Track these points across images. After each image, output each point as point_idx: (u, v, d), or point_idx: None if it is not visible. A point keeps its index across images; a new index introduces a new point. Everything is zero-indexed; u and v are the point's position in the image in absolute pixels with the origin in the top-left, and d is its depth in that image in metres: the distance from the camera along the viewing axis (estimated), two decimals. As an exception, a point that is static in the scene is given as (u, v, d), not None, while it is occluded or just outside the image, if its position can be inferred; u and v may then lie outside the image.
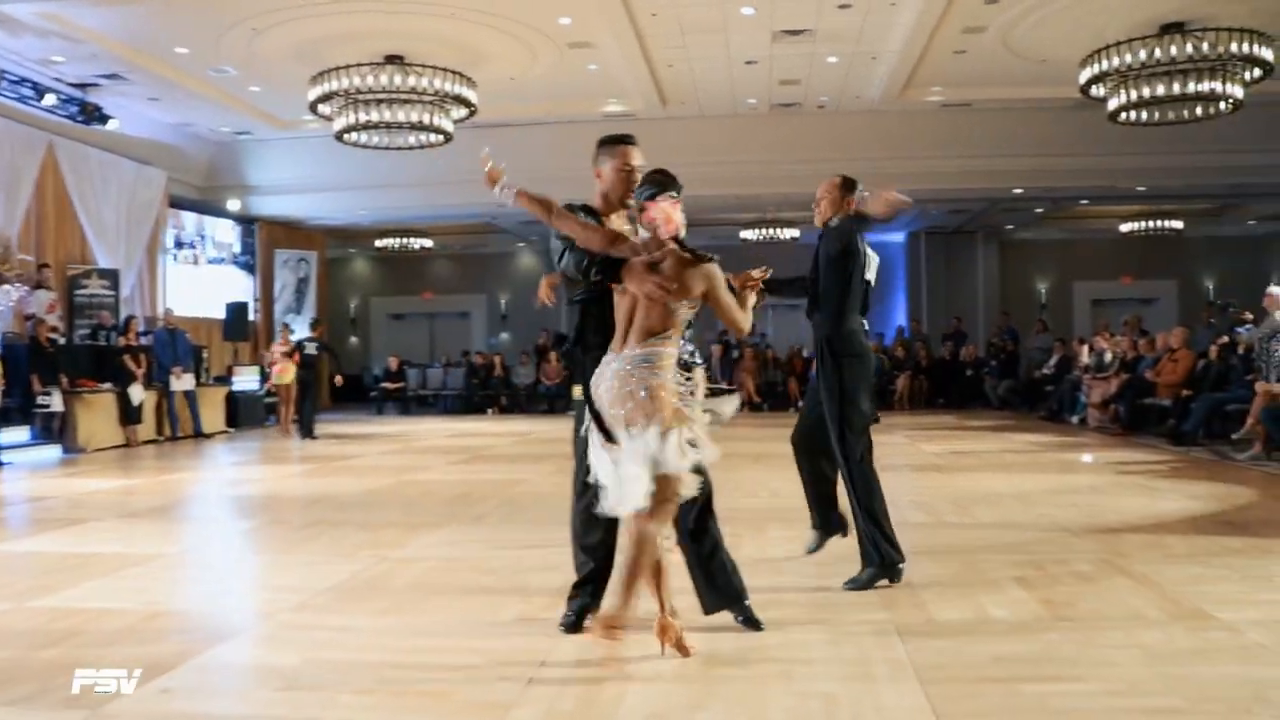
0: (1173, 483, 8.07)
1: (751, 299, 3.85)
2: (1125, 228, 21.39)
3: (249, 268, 19.11)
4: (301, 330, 16.03)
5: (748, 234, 20.26)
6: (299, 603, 4.47)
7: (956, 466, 9.44)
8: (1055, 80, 13.74)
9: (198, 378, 14.46)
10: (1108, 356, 13.78)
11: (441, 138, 13.58)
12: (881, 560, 4.58)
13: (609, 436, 3.48)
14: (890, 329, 21.06)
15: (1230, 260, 22.41)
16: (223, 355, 17.11)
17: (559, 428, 4.00)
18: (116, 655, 3.63)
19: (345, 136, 13.45)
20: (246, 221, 18.77)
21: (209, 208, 17.97)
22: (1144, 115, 12.76)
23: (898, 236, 22.09)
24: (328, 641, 3.87)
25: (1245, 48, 11.39)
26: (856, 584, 4.57)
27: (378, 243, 22.38)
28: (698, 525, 3.82)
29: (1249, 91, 12.21)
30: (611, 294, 3.66)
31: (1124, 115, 12.71)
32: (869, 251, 4.90)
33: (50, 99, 12.93)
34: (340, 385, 14.50)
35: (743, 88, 14.99)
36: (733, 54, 13.47)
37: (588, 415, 3.58)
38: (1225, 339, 11.86)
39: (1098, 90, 12.50)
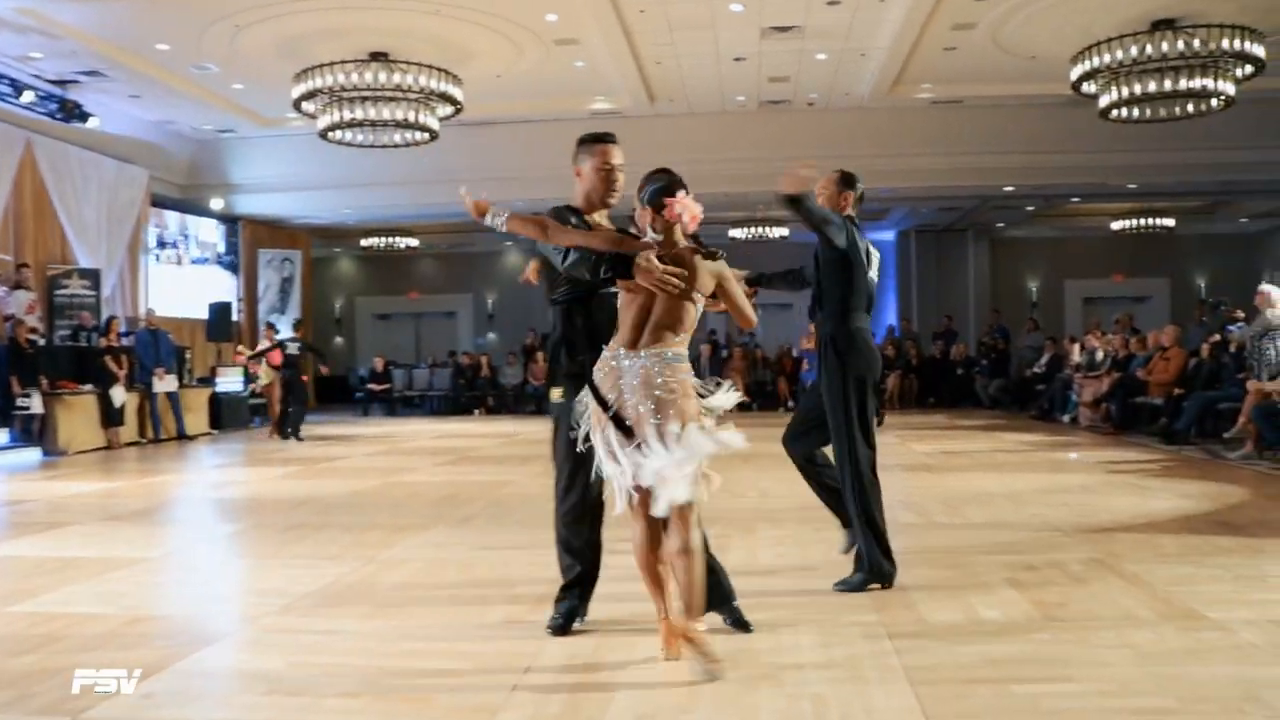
0: (1164, 482, 8.05)
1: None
2: (1117, 225, 21.37)
3: (233, 267, 18.95)
4: (286, 331, 15.88)
5: (736, 233, 20.17)
6: (283, 606, 4.42)
7: (947, 466, 9.40)
8: (1046, 77, 13.74)
9: (180, 379, 14.31)
10: (1099, 355, 13.75)
11: (427, 136, 13.52)
12: (875, 570, 4.52)
13: (627, 432, 3.43)
14: (880, 328, 20.99)
15: (1222, 258, 22.43)
16: (206, 356, 16.94)
17: (546, 429, 3.94)
18: (98, 660, 3.57)
19: (329, 134, 13.38)
20: (230, 221, 18.61)
21: (191, 207, 17.82)
22: (1135, 112, 12.79)
23: (888, 235, 22.03)
24: (312, 645, 3.83)
25: (1236, 44, 11.41)
26: (847, 585, 4.50)
27: (363, 242, 22.23)
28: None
29: (1240, 88, 12.22)
30: (595, 295, 3.65)
31: (1115, 112, 12.73)
32: (871, 248, 4.76)
33: (29, 96, 12.79)
34: (326, 375, 14.36)
35: (731, 85, 14.93)
36: (721, 50, 13.41)
37: (593, 416, 3.52)
38: (1217, 337, 11.82)
39: (1089, 87, 12.49)
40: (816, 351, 4.75)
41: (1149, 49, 11.64)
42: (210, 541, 6.53)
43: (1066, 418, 14.15)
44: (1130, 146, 15.32)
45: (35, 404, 11.80)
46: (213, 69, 13.73)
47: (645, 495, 3.46)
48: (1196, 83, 11.80)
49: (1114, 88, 12.20)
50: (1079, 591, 4.42)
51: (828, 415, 4.59)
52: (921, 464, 9.56)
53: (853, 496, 4.53)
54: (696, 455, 3.37)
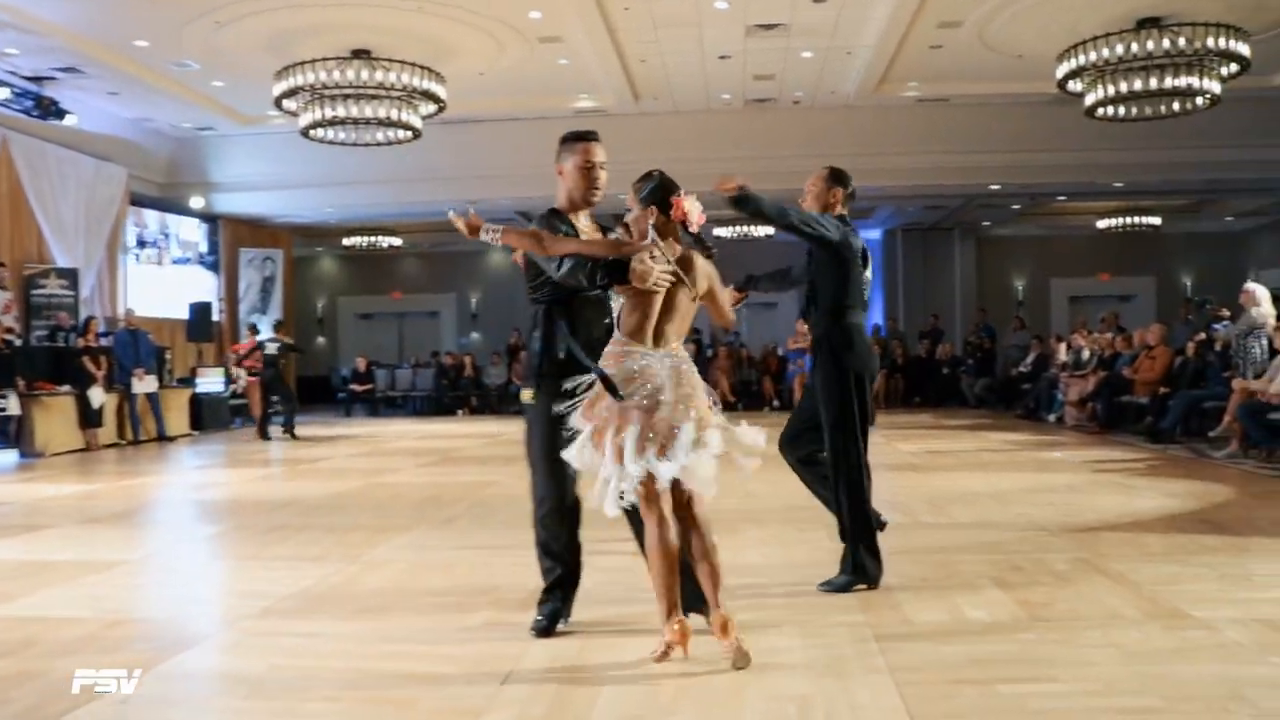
0: (1150, 481, 8.07)
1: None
2: (1103, 224, 21.40)
3: (215, 267, 18.77)
4: (267, 332, 15.77)
5: (722, 231, 20.11)
6: (264, 609, 4.40)
7: (933, 466, 9.40)
8: (1032, 75, 13.73)
9: (160, 379, 14.16)
10: (1085, 354, 13.75)
11: (410, 134, 13.42)
12: (860, 571, 4.49)
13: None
14: (867, 327, 20.94)
15: (1208, 256, 22.50)
16: (186, 356, 16.79)
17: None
18: (74, 665, 3.53)
19: (311, 132, 13.27)
20: (210, 219, 18.43)
21: (171, 205, 17.64)
22: (1121, 110, 12.78)
23: (874, 233, 22.01)
24: (293, 648, 3.81)
25: (1222, 43, 11.40)
26: (832, 586, 4.47)
27: (345, 241, 22.07)
28: None
29: (1226, 87, 12.22)
30: (576, 296, 3.68)
31: (1101, 110, 12.72)
32: (865, 247, 4.72)
33: (4, 93, 12.62)
34: (302, 351, 14.25)
35: (716, 83, 14.86)
36: (706, 48, 13.34)
37: (605, 414, 3.47)
38: (1202, 336, 11.84)
39: (1075, 85, 12.47)
40: (811, 350, 4.69)
41: (1134, 47, 11.61)
42: (190, 543, 6.51)
43: (1052, 417, 14.15)
44: (1116, 145, 15.32)
45: (12, 405, 11.64)
46: (192, 66, 13.57)
47: (653, 487, 3.41)
48: (1182, 81, 11.79)
49: (1100, 86, 12.18)
50: (1065, 591, 4.43)
51: (823, 413, 4.54)
52: (907, 463, 9.55)
53: (845, 496, 4.50)
54: (721, 451, 3.45)
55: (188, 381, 15.78)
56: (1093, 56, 11.85)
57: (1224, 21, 11.39)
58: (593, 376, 3.52)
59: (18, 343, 12.66)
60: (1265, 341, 9.90)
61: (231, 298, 18.88)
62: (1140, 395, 11.98)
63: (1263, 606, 4.10)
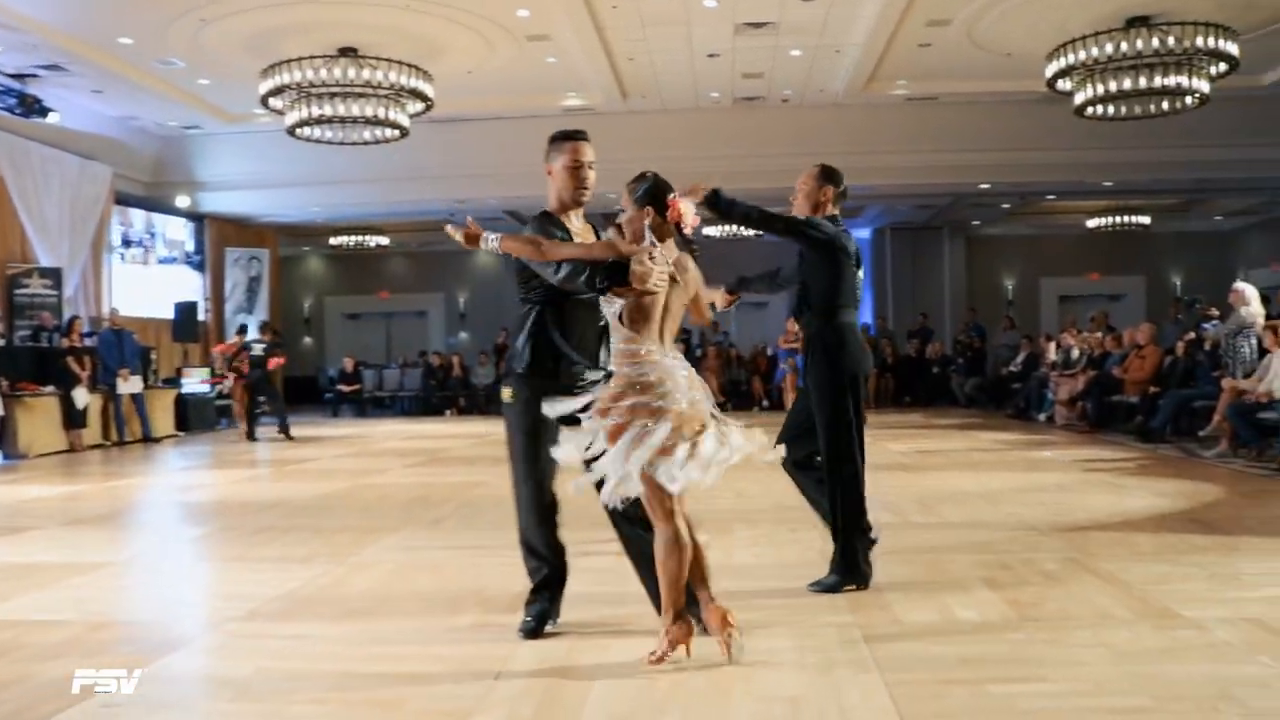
0: (1140, 480, 8.06)
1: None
2: (1092, 223, 21.45)
3: (201, 267, 18.67)
4: (254, 333, 15.71)
5: (710, 231, 20.06)
6: (250, 611, 4.37)
7: (923, 465, 9.37)
8: (1021, 74, 13.75)
9: (146, 380, 14.06)
10: (1075, 353, 13.75)
11: (397, 133, 13.39)
12: (851, 571, 4.46)
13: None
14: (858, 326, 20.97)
15: (1197, 255, 22.58)
16: (172, 356, 16.68)
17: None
18: (58, 668, 3.50)
19: (298, 131, 13.22)
20: (196, 219, 18.32)
21: (157, 204, 17.53)
22: (1110, 109, 12.82)
23: (863, 232, 22.00)
24: (280, 650, 3.78)
25: (1210, 42, 11.46)
26: (822, 586, 4.44)
27: (332, 240, 21.99)
28: (643, 515, 3.64)
29: (1215, 86, 12.27)
30: (569, 297, 3.65)
31: (1090, 109, 12.74)
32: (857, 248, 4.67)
33: (-14, 90, 12.52)
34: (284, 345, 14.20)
35: (705, 81, 14.83)
36: (695, 47, 13.31)
37: (630, 405, 3.42)
38: (1192, 335, 11.83)
39: (1064, 84, 12.51)
40: (803, 350, 4.64)
41: (1124, 46, 11.65)
42: (176, 545, 6.47)
43: (1042, 416, 14.14)
44: (1105, 144, 15.35)
45: (-6, 406, 11.54)
46: (178, 64, 13.48)
47: (661, 491, 3.41)
48: (1171, 80, 11.83)
49: (1089, 85, 12.20)
50: (1055, 591, 4.42)
51: (816, 413, 4.49)
52: (897, 463, 9.51)
53: (840, 496, 4.45)
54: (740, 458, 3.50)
55: (173, 382, 15.68)
56: (1082, 55, 11.89)
57: (1213, 21, 11.44)
58: (599, 375, 3.52)
59: (1, 343, 12.57)
60: (1254, 341, 9.88)
61: (217, 297, 18.78)
62: (1130, 395, 11.97)
63: (1252, 606, 4.09)
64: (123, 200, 16.65)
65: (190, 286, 18.18)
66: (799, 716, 3.00)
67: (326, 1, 11.41)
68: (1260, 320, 10.00)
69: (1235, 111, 14.66)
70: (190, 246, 18.48)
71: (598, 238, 3.87)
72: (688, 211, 3.53)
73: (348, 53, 12.50)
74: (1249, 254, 22.03)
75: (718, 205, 4.12)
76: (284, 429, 13.88)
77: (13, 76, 12.96)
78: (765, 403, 18.10)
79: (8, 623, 4.18)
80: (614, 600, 4.25)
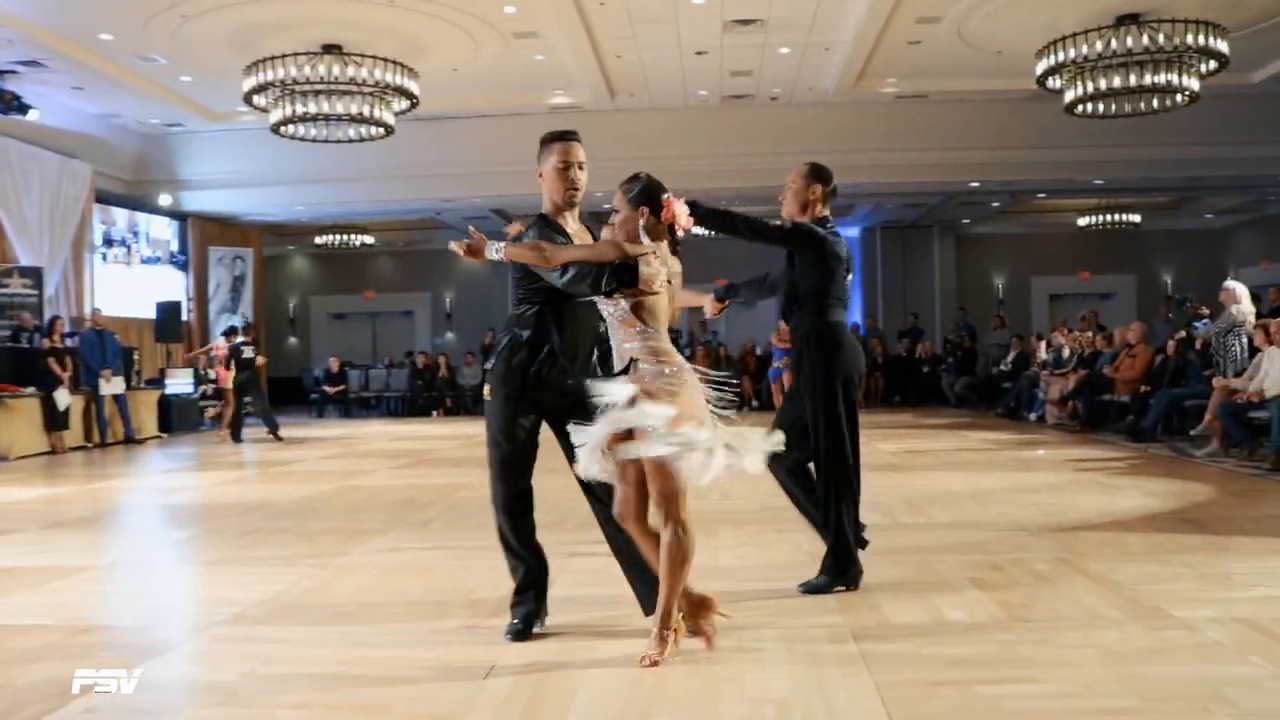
0: (1131, 480, 8.05)
1: None
2: (1083, 221, 21.40)
3: (186, 266, 18.54)
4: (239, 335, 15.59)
5: (701, 231, 19.97)
6: (235, 614, 4.34)
7: (912, 465, 9.33)
8: (1011, 72, 13.75)
9: (128, 381, 13.91)
10: (1066, 352, 13.72)
11: (382, 131, 13.31)
12: (840, 572, 4.41)
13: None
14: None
15: (1188, 254, 22.61)
16: (155, 357, 16.56)
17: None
18: (37, 673, 3.48)
19: (282, 129, 13.14)
20: (179, 217, 18.18)
21: (139, 203, 17.39)
22: (1100, 107, 12.80)
23: (853, 231, 21.97)
24: (266, 655, 3.75)
25: (1201, 40, 11.46)
26: (811, 587, 4.39)
27: (317, 239, 21.79)
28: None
29: (1205, 84, 12.27)
30: (570, 298, 3.64)
31: (1080, 107, 12.72)
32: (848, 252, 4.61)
33: (-37, 87, 12.38)
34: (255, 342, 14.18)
35: (693, 79, 14.76)
36: (683, 44, 13.24)
37: (621, 409, 3.46)
38: (1183, 334, 11.81)
39: (1054, 82, 12.47)
40: (794, 351, 4.56)
41: (1114, 44, 11.66)
42: (160, 548, 6.40)
43: (1033, 415, 14.14)
44: (1096, 142, 15.34)
45: (-27, 408, 11.41)
46: (159, 60, 13.36)
47: (674, 491, 3.49)
48: (1161, 78, 11.83)
49: (1079, 83, 12.19)
50: (1045, 591, 4.41)
51: (810, 414, 4.42)
52: (887, 463, 9.47)
53: (833, 496, 4.39)
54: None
55: (156, 382, 15.54)
56: (1072, 53, 11.87)
57: (1203, 18, 11.44)
58: (668, 370, 3.52)
59: (-21, 344, 12.45)
60: (1245, 339, 9.86)
61: (201, 297, 18.64)
62: (1121, 394, 11.96)
63: (1243, 605, 4.08)
64: (104, 199, 16.50)
65: (174, 286, 18.05)
66: (788, 717, 3.00)
67: (310, -2, 11.33)
68: (1251, 319, 9.98)
69: (1225, 109, 14.68)
70: (175, 246, 18.34)
71: (594, 238, 3.84)
72: (681, 212, 3.56)
73: (332, 50, 12.40)
74: (1239, 252, 22.06)
75: (694, 211, 4.03)
76: (273, 430, 13.76)
77: (-10, 73, 12.84)
78: (755, 403, 18.02)
79: (-14, 627, 4.13)
80: (603, 602, 4.23)
